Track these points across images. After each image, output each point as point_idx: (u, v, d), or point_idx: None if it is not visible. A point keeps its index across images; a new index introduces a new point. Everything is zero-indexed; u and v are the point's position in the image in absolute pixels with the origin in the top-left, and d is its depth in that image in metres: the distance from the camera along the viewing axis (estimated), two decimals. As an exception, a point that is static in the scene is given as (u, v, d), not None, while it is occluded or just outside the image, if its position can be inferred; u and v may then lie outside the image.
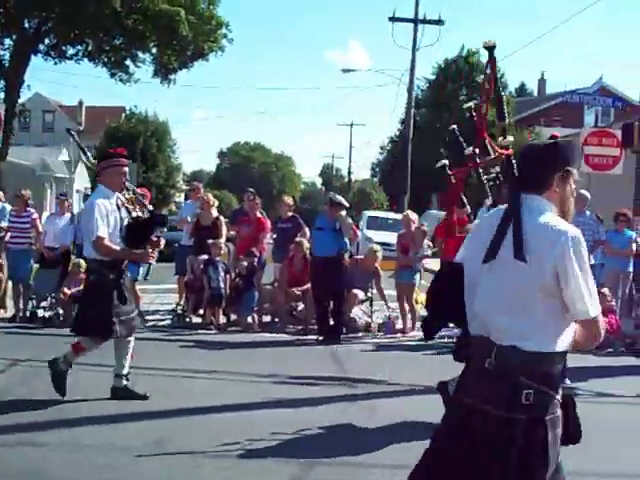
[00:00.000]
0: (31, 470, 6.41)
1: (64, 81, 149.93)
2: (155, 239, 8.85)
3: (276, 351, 12.90)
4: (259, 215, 15.69)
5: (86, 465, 6.54)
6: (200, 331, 14.17)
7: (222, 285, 14.49)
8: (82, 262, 14.74)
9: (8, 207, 15.59)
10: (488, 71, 6.92)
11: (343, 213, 13.95)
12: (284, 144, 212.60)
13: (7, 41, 37.16)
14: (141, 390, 8.84)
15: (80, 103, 77.36)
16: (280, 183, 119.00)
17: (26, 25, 35.50)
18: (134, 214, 8.85)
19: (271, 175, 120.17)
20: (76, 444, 7.10)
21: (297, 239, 15.05)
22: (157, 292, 18.84)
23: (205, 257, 14.72)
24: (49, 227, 15.45)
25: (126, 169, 8.81)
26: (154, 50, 36.86)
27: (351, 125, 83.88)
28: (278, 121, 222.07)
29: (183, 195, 76.81)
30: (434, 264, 16.88)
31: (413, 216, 15.47)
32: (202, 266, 14.64)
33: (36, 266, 15.48)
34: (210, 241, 14.72)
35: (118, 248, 8.49)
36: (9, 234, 15.14)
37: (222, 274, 14.54)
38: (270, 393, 9.46)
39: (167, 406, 8.58)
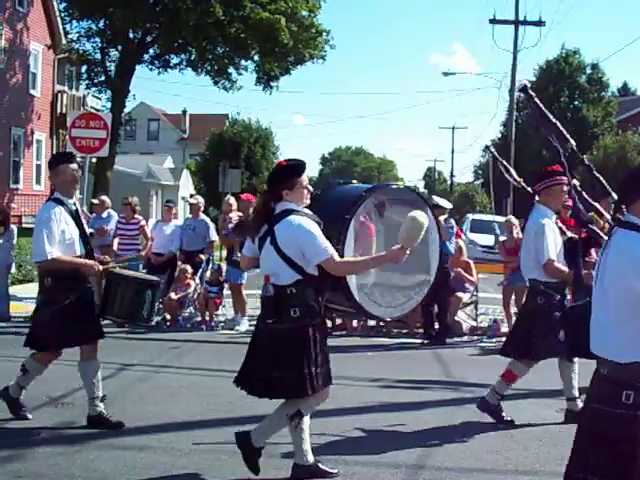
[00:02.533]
0: (149, 471, 6.57)
1: (168, 90, 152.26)
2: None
3: (381, 355, 12.92)
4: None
5: (199, 470, 6.65)
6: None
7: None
8: (188, 268, 15.05)
9: (115, 215, 15.97)
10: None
11: (443, 217, 13.84)
12: (386, 148, 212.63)
13: (113, 52, 38.06)
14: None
15: (184, 111, 78.63)
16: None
17: (131, 36, 36.27)
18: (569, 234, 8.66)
19: (374, 179, 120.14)
20: (183, 448, 7.22)
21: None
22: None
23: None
24: (156, 234, 15.74)
25: (565, 187, 8.33)
26: (256, 58, 37.21)
27: (453, 128, 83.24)
28: (380, 125, 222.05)
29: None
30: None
31: (515, 221, 15.29)
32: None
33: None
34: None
35: (565, 270, 8.11)
36: (117, 240, 15.50)
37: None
38: (376, 397, 9.48)
39: (273, 409, 8.66)
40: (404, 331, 14.78)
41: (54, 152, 38.57)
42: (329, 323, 14.64)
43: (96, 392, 7.87)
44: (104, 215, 16.07)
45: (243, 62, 37.85)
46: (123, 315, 8.60)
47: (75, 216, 7.79)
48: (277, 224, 6.26)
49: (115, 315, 8.54)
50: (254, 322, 15.35)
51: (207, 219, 16.08)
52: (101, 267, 7.96)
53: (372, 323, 15.29)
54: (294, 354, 6.24)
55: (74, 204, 7.89)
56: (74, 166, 7.95)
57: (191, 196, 31.20)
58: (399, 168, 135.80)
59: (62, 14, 38.65)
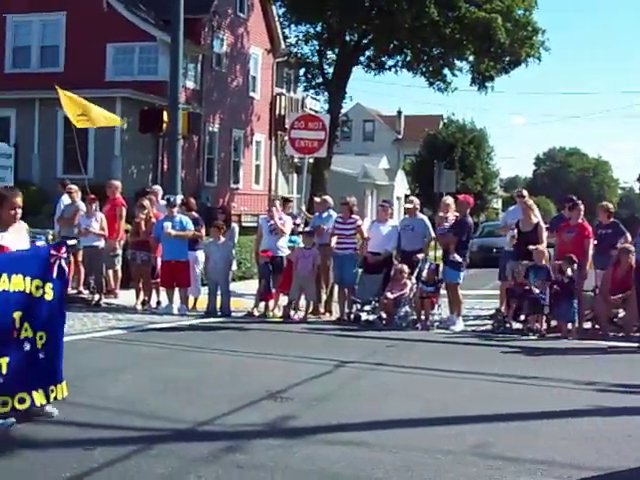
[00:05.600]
0: (366, 466, 6.65)
1: (382, 91, 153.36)
2: None
3: (594, 358, 12.56)
4: (580, 221, 15.32)
5: (413, 466, 6.67)
6: (520, 337, 14.07)
7: (543, 291, 14.29)
8: (405, 267, 15.10)
9: (334, 214, 16.22)
10: None
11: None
12: (600, 148, 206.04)
13: (330, 54, 38.71)
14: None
15: (399, 112, 79.20)
16: (599, 188, 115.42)
17: (347, 39, 36.76)
18: None
19: (589, 180, 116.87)
20: (398, 446, 7.25)
21: (623, 245, 14.60)
22: (477, 297, 18.89)
23: (526, 263, 14.60)
24: (372, 233, 15.85)
25: None
26: (470, 58, 36.90)
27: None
28: (593, 125, 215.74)
29: (500, 201, 76.53)
30: None
31: None
32: (523, 272, 14.53)
33: (360, 271, 15.98)
34: (532, 247, 14.58)
35: None
36: (335, 239, 15.74)
37: (543, 280, 14.34)
38: (591, 400, 9.21)
39: (486, 410, 8.59)
40: (620, 334, 14.30)
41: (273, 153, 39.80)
42: (544, 325, 14.39)
43: None
44: (324, 215, 16.35)
45: (458, 63, 37.65)
46: None
47: None
48: None
49: None
50: (469, 322, 15.43)
51: (424, 217, 16.08)
52: None
53: (587, 326, 14.91)
54: None
55: None
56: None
57: (406, 197, 31.35)
58: (614, 169, 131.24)
59: (281, 19, 39.79)
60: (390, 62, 38.50)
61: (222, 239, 15.94)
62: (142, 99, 29.30)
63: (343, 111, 41.32)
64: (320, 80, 38.94)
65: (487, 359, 12.01)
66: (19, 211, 8.08)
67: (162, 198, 18.43)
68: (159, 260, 16.49)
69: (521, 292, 14.53)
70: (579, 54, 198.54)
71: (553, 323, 14.75)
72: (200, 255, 16.68)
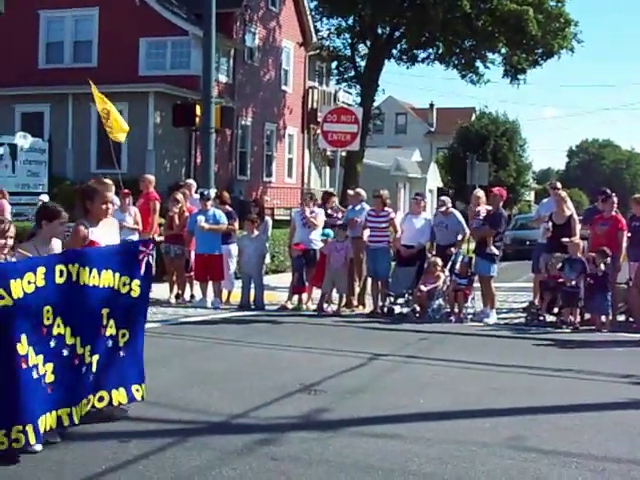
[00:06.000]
0: (399, 458, 6.67)
1: (414, 84, 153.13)
2: None
3: (628, 351, 12.50)
4: (614, 213, 15.21)
5: (447, 458, 6.68)
6: (554, 330, 14.01)
7: (578, 284, 14.22)
8: (438, 260, 15.09)
9: (367, 207, 16.22)
10: None
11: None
12: (633, 140, 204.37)
13: (362, 48, 38.70)
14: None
15: (431, 105, 79.03)
16: (632, 180, 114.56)
17: (379, 32, 36.73)
18: None
19: (622, 172, 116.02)
20: (432, 438, 7.26)
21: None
22: (511, 290, 18.83)
23: (559, 255, 14.53)
24: (406, 226, 15.83)
25: None
26: (503, 51, 36.77)
27: None
28: (628, 117, 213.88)
29: (533, 193, 76.17)
30: None
31: None
32: (557, 264, 14.47)
33: (393, 264, 15.97)
34: (566, 240, 14.52)
35: None
36: (367, 231, 15.74)
37: (577, 273, 14.27)
38: (626, 393, 9.17)
39: (520, 403, 8.58)
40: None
41: (306, 147, 39.86)
42: (578, 318, 14.31)
43: None
44: (357, 207, 16.35)
45: (490, 55, 37.54)
46: None
47: None
48: None
49: None
50: (502, 315, 15.39)
51: (457, 214, 16.02)
52: None
53: (621, 318, 14.82)
54: None
55: None
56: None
57: (439, 189, 31.32)
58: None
59: (312, 12, 39.82)
60: (422, 55, 38.50)
61: (255, 232, 15.97)
62: (175, 93, 29.48)
63: (375, 104, 41.33)
64: (352, 73, 39.00)
65: (520, 352, 11.97)
66: (111, 206, 8.05)
67: (195, 192, 18.50)
68: (193, 254, 16.57)
69: (555, 285, 14.48)
70: (613, 45, 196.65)
71: (587, 316, 14.67)
72: (233, 249, 16.72)
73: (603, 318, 14.29)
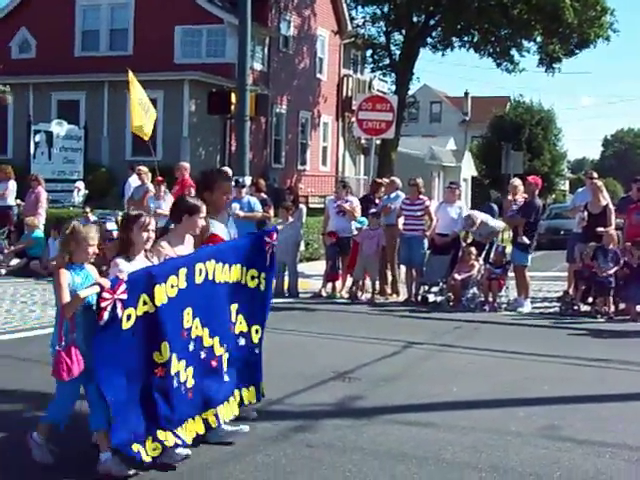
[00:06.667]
0: (433, 446, 6.69)
1: (449, 72, 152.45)
2: None
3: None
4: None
5: (481, 447, 6.69)
6: (588, 319, 13.94)
7: (612, 273, 14.15)
8: (473, 249, 15.06)
9: (402, 195, 16.20)
10: None
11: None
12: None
13: (397, 36, 38.62)
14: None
15: (466, 93, 78.62)
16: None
17: (415, 20, 36.63)
18: None
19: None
20: (466, 427, 7.28)
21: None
22: (545, 279, 18.76)
23: (594, 245, 14.46)
24: (440, 215, 15.80)
25: None
26: (539, 39, 36.56)
27: None
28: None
29: (567, 183, 75.68)
30: None
31: None
32: (592, 254, 14.41)
33: (428, 252, 15.95)
34: (601, 230, 14.44)
35: None
36: (402, 219, 15.73)
37: (612, 262, 14.19)
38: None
39: (555, 392, 8.58)
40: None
41: (340, 135, 39.84)
42: (612, 308, 14.24)
43: None
44: (392, 195, 16.36)
45: (525, 44, 37.36)
46: None
47: None
48: None
49: None
50: (537, 304, 15.32)
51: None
52: None
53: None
54: None
55: None
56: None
57: (473, 179, 31.13)
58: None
59: (347, 0, 39.68)
60: (457, 43, 38.37)
61: (290, 220, 16.00)
62: (210, 81, 29.51)
63: (410, 92, 41.22)
64: (387, 61, 38.94)
65: (555, 341, 11.95)
66: (231, 197, 7.53)
67: (230, 179, 18.52)
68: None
69: (589, 274, 14.41)
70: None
71: (622, 305, 14.59)
72: (268, 236, 16.73)
73: (638, 308, 14.21)
